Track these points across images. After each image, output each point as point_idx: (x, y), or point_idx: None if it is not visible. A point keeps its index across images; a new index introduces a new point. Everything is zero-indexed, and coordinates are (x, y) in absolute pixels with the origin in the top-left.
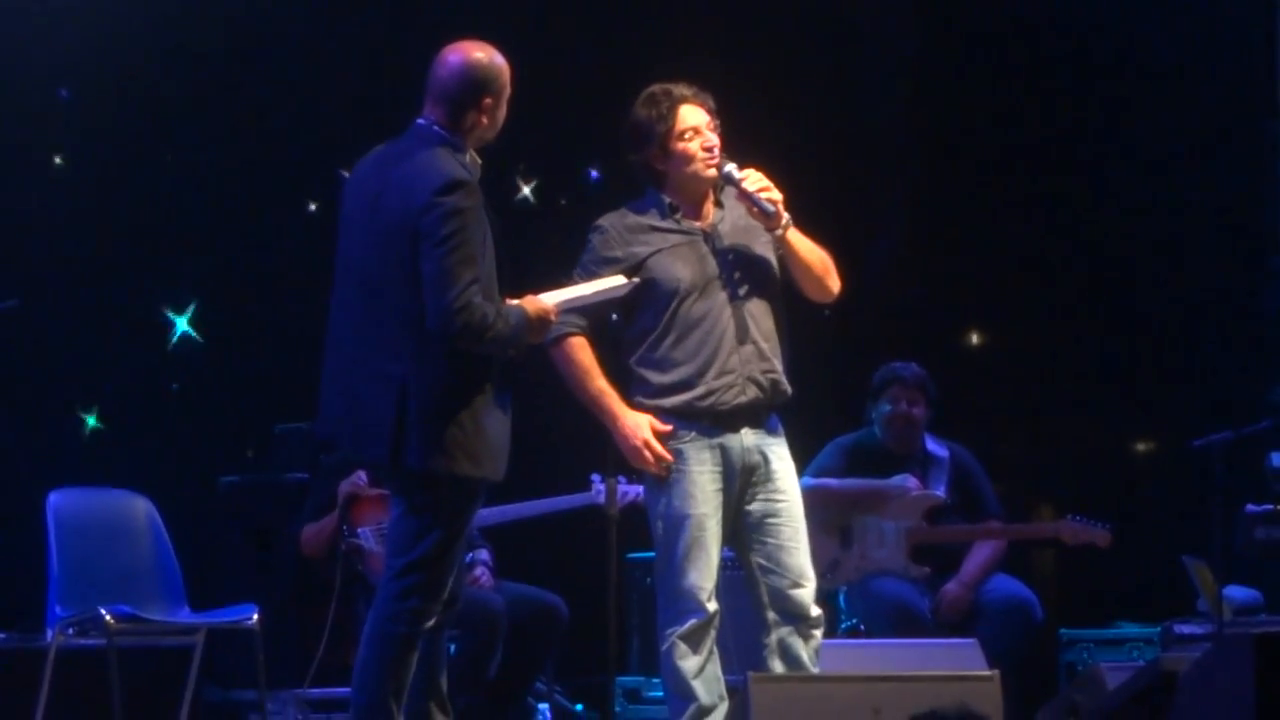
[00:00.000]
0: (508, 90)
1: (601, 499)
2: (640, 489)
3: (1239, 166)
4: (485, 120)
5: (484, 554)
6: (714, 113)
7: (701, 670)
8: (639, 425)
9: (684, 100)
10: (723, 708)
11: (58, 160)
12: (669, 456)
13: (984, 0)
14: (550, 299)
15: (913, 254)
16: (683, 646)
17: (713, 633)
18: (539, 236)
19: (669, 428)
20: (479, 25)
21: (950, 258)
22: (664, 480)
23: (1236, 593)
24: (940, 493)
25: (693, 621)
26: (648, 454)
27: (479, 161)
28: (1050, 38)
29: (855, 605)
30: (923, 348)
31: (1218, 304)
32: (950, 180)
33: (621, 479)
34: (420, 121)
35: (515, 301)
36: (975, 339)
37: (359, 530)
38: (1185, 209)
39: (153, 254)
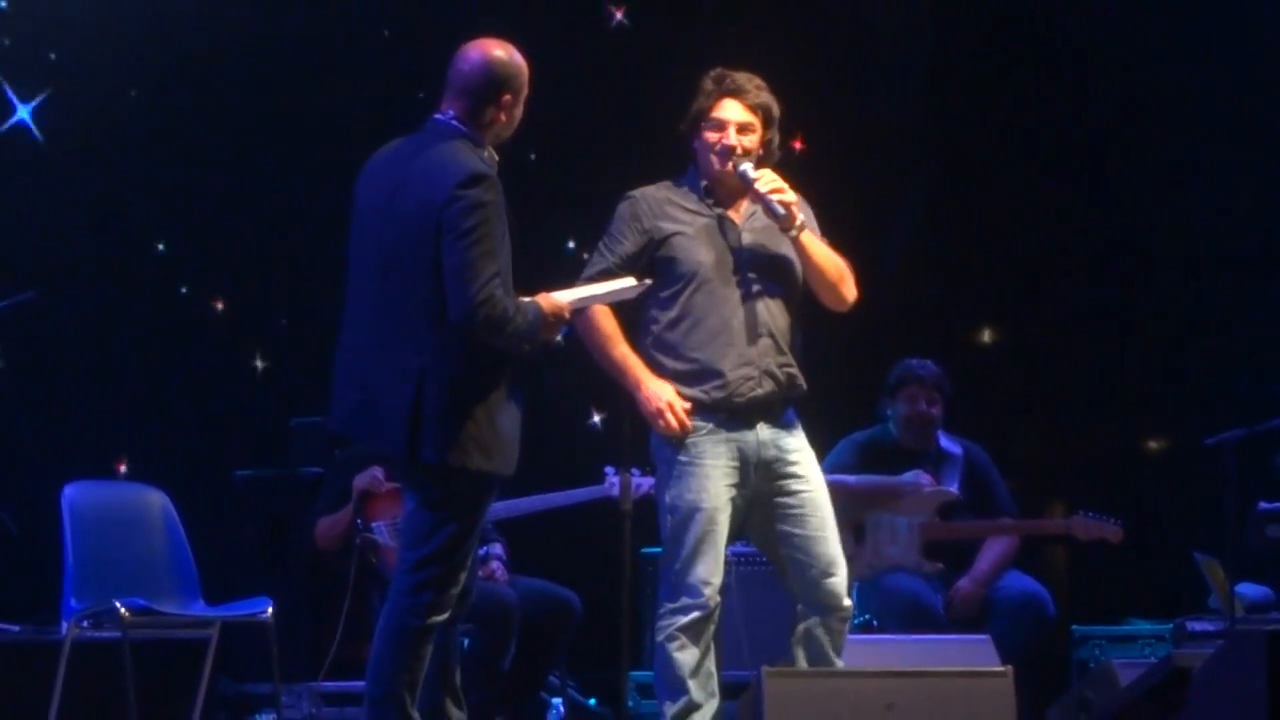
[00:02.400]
0: (526, 90)
1: (615, 492)
2: (687, 408)
3: (1251, 163)
4: (503, 117)
5: (498, 548)
6: (767, 120)
7: (698, 666)
8: (662, 389)
9: (732, 93)
10: (712, 705)
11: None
12: (688, 423)
13: None
14: (563, 297)
15: (926, 252)
16: (682, 639)
17: (712, 627)
18: None
19: (688, 405)
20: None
21: (964, 255)
22: (678, 448)
23: (1248, 590)
24: (953, 489)
25: (695, 615)
26: (670, 416)
27: (496, 158)
28: (1066, 37)
29: (868, 601)
30: (936, 345)
31: (1231, 301)
32: (964, 178)
33: (635, 471)
34: (438, 116)
35: (529, 299)
36: (988, 336)
37: (373, 525)
38: (1198, 206)
39: (171, 247)
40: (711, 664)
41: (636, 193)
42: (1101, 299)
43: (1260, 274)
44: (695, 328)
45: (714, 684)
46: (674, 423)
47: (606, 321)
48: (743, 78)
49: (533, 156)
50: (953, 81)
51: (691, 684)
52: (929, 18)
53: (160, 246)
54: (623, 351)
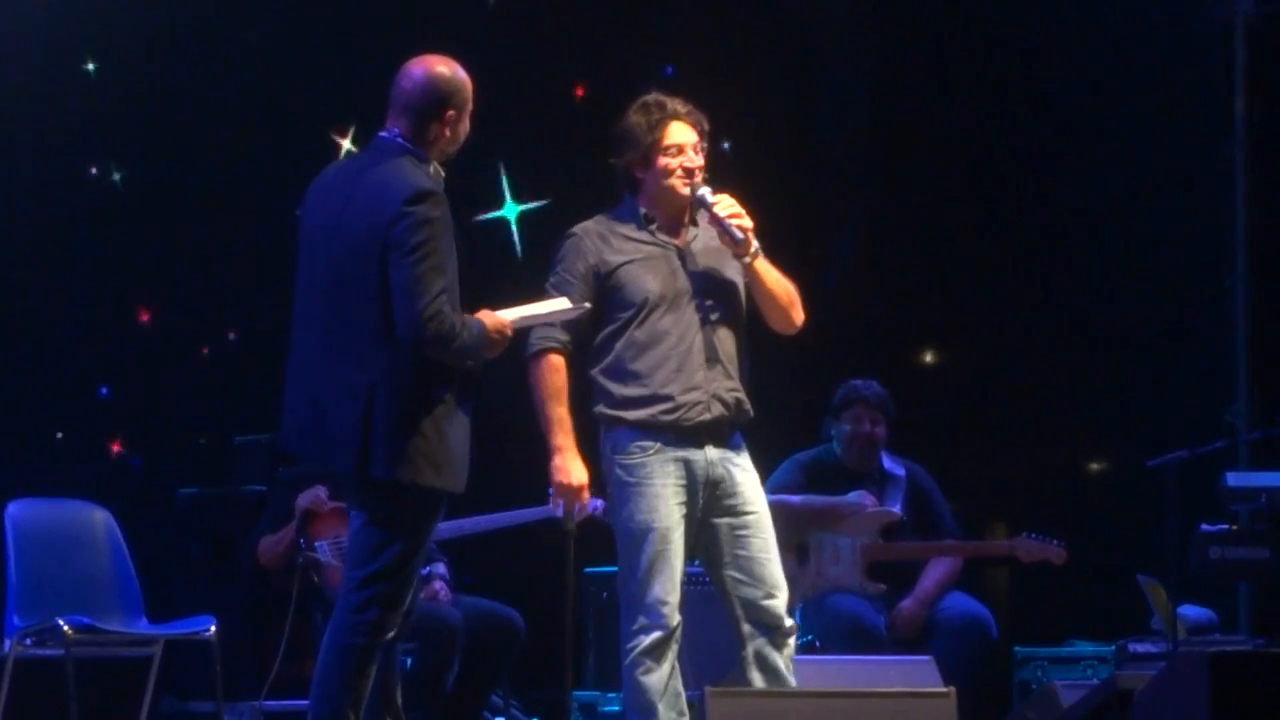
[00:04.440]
0: (470, 105)
1: (559, 512)
2: (599, 503)
3: (1195, 187)
4: (448, 133)
5: (441, 567)
6: (704, 135)
7: (665, 687)
8: (579, 472)
9: (675, 117)
10: None
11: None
12: (578, 515)
13: (943, 21)
14: (505, 315)
15: (869, 272)
16: (647, 662)
17: (675, 646)
18: None
19: (597, 507)
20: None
21: (906, 276)
22: (627, 469)
23: (1191, 612)
24: (897, 510)
25: (656, 635)
26: (572, 500)
27: (442, 174)
28: (1009, 58)
29: (811, 621)
30: (878, 365)
31: (1173, 323)
32: (907, 199)
33: None
34: (383, 135)
35: (472, 315)
36: (930, 357)
37: (316, 544)
38: (1141, 229)
39: (113, 262)
40: (679, 683)
41: (577, 229)
42: (1044, 320)
43: (1205, 296)
44: (644, 354)
45: (682, 703)
46: (572, 507)
47: (555, 377)
48: (677, 101)
49: None
50: (896, 102)
51: (660, 707)
52: (872, 38)
53: (103, 260)
54: (559, 414)
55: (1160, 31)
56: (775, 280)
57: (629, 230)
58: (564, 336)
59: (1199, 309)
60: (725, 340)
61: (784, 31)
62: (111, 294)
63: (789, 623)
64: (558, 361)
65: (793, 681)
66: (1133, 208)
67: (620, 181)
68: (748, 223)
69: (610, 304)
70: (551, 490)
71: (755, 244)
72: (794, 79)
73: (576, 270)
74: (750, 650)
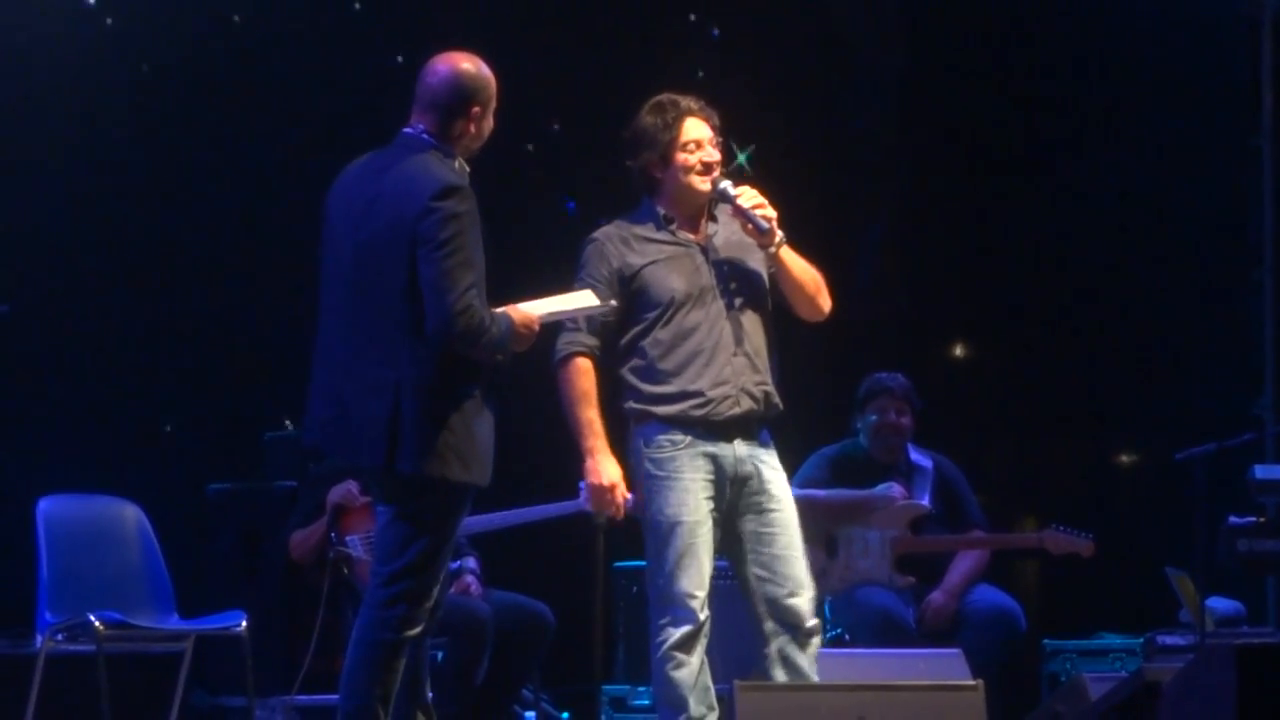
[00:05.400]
0: (494, 102)
1: (589, 506)
2: (628, 497)
3: (1222, 181)
4: (473, 129)
5: (471, 561)
6: (718, 129)
7: (695, 681)
8: (610, 470)
9: (690, 113)
10: (711, 718)
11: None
12: (620, 513)
13: (972, 14)
14: (532, 309)
15: (898, 265)
16: (677, 656)
17: (704, 640)
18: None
19: (629, 497)
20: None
21: (934, 270)
22: (656, 463)
23: (1219, 604)
24: (924, 502)
25: (686, 629)
26: (610, 497)
27: (467, 169)
28: (1037, 51)
29: (840, 615)
30: (908, 359)
31: (1201, 317)
32: (937, 193)
33: None
34: (408, 130)
35: (500, 310)
36: (960, 351)
37: (347, 538)
38: (1169, 223)
39: (144, 261)
40: (707, 677)
41: (598, 234)
42: (1073, 313)
43: (1232, 290)
44: (672, 351)
45: (711, 696)
46: (615, 505)
47: (583, 380)
48: (689, 98)
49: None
50: (924, 95)
51: (690, 699)
52: (901, 32)
53: (133, 256)
54: (589, 416)
55: (1188, 26)
56: (801, 268)
57: (648, 232)
58: (591, 341)
59: (1226, 302)
60: (753, 333)
61: (812, 24)
62: (142, 289)
63: (813, 622)
64: (585, 365)
65: (815, 680)
66: (1160, 202)
67: (636, 184)
68: (771, 212)
69: (636, 305)
70: (584, 489)
71: (780, 233)
72: (822, 72)
73: (600, 274)
74: (774, 648)
